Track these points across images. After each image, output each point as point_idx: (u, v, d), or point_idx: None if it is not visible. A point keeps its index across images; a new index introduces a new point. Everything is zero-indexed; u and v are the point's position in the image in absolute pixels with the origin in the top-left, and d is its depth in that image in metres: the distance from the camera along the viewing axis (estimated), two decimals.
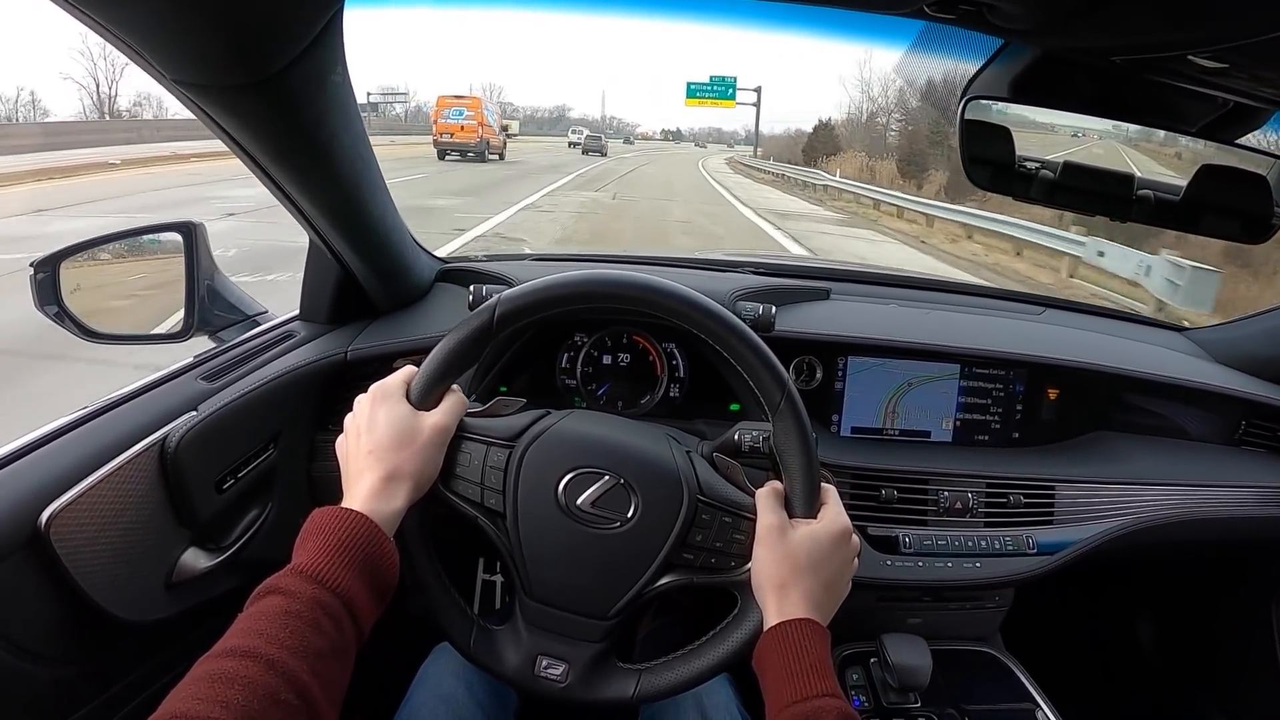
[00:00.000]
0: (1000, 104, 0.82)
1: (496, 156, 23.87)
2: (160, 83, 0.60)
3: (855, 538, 0.67)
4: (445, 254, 1.24)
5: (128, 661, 0.78)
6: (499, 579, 1.38)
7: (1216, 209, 0.80)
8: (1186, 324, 1.38)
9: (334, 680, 0.52)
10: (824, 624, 0.62)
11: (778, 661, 0.59)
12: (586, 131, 42.85)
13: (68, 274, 0.93)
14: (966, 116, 0.79)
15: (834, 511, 0.67)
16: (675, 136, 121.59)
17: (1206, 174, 0.77)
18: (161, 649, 0.81)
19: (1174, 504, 1.07)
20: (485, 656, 0.67)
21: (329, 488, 0.67)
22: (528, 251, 1.34)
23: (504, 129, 26.54)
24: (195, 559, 0.81)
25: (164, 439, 0.76)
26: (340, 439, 0.67)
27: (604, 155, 34.80)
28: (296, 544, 0.57)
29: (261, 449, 0.89)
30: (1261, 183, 0.76)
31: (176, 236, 0.98)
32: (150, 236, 1.01)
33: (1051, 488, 1.04)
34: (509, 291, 0.67)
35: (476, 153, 21.67)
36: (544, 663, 0.66)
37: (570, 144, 39.82)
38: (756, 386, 0.67)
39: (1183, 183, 0.79)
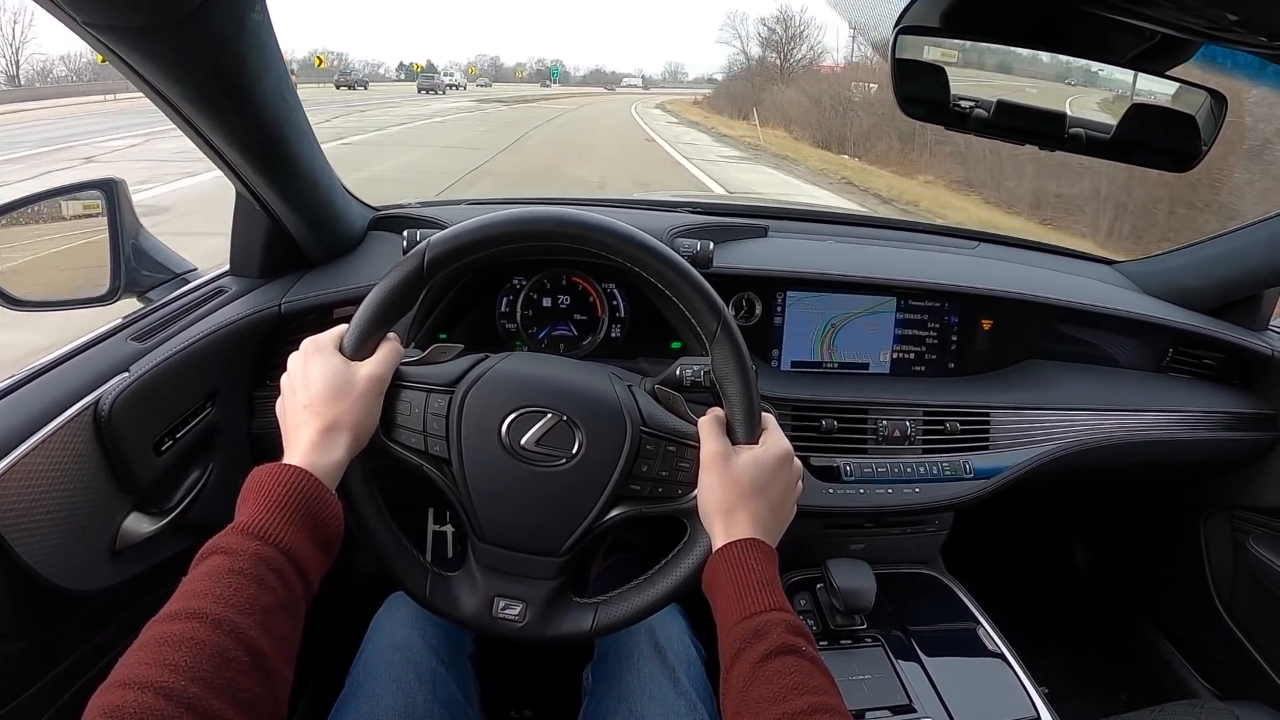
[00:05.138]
0: (937, 44, 0.83)
1: None
2: (72, 28, 0.57)
3: (798, 461, 0.69)
4: None
5: (80, 632, 0.77)
6: (449, 529, 1.39)
7: (1145, 147, 0.81)
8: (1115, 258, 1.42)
9: (284, 635, 0.52)
10: (771, 545, 0.63)
11: (726, 582, 0.60)
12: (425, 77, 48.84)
13: None
14: (898, 55, 0.79)
15: (775, 436, 0.68)
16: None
17: (1136, 113, 0.78)
18: (113, 618, 0.80)
19: (1105, 428, 1.12)
20: (443, 603, 0.68)
21: (270, 445, 0.66)
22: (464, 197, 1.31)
23: None
24: (138, 524, 0.80)
25: (97, 402, 0.74)
26: (278, 400, 0.66)
27: (441, 93, 39.92)
28: (238, 503, 0.56)
29: (199, 408, 0.87)
30: (1190, 122, 0.77)
31: (97, 194, 0.95)
32: (69, 196, 0.97)
33: (987, 414, 1.07)
34: (438, 235, 0.66)
35: None
36: (501, 604, 0.67)
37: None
38: (693, 317, 0.67)
39: (1114, 121, 0.80)
